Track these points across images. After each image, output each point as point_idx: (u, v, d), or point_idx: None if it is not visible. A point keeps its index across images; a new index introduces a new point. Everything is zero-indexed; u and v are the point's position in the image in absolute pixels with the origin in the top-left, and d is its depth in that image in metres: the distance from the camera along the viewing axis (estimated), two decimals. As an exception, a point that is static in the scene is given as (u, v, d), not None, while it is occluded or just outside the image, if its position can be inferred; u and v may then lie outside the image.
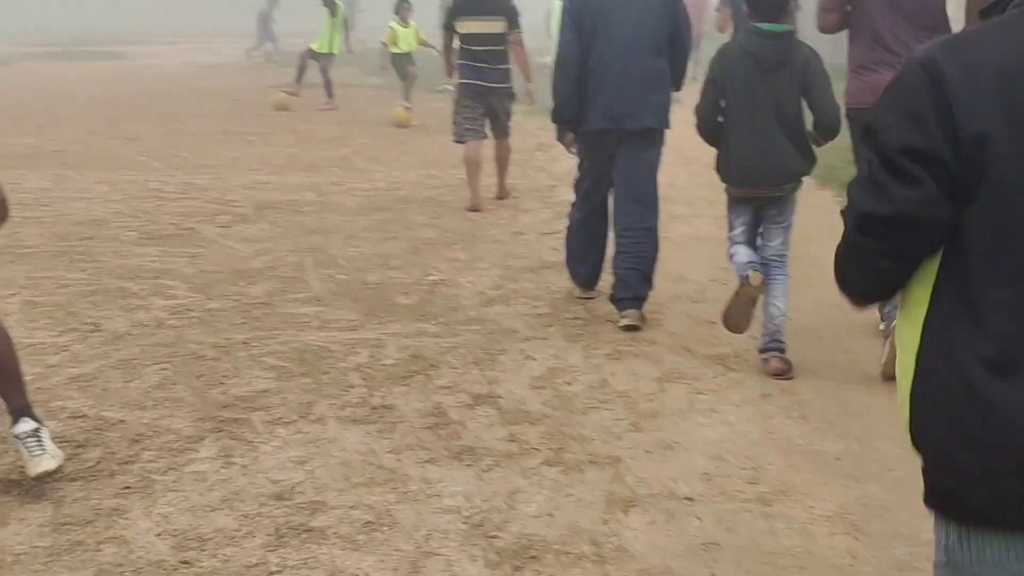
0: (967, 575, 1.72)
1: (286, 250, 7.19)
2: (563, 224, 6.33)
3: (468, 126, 8.59)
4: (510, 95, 8.78)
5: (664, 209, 6.05)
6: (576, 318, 5.79)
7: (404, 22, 15.13)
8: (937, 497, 1.75)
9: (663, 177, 5.99)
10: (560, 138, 5.94)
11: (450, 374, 4.87)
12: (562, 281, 6.34)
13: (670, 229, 7.07)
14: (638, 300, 5.62)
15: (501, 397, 4.60)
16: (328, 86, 16.16)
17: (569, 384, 4.80)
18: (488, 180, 8.98)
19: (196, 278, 6.46)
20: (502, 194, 9.12)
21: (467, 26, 8.56)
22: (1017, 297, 1.63)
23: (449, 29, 8.79)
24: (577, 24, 5.62)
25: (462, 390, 4.67)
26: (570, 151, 5.99)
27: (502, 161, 9.01)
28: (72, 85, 20.48)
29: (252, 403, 4.49)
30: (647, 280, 5.70)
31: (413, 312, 5.83)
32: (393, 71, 15.34)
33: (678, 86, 5.83)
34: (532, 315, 5.83)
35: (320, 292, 6.21)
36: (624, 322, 5.54)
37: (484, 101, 8.59)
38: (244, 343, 5.26)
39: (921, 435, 1.75)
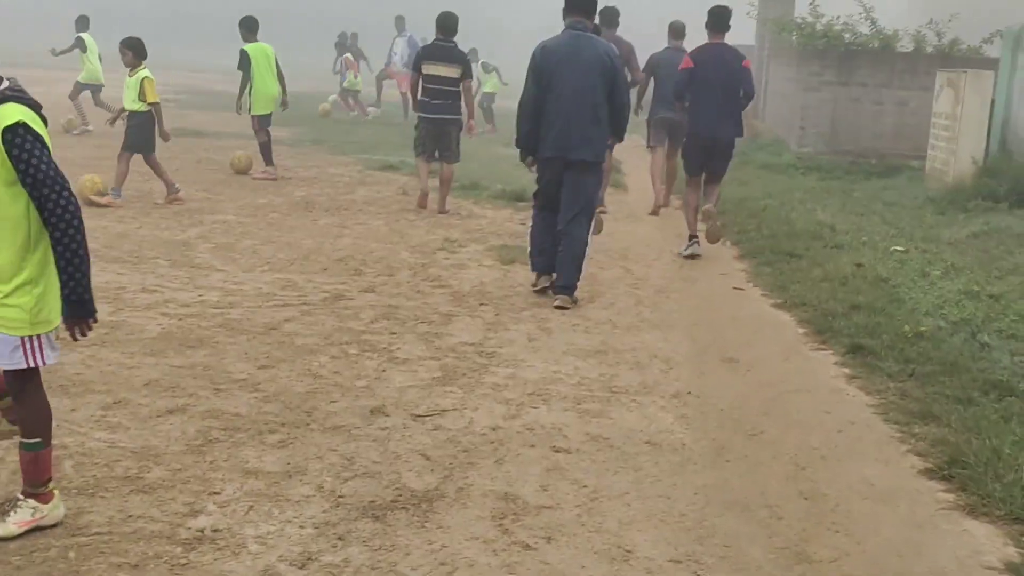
0: None
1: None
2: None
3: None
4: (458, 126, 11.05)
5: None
6: None
7: None
8: None
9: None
10: (522, 159, 7.86)
11: None
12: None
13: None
14: (568, 288, 7.43)
15: None
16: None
17: None
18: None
19: None
20: (442, 209, 10.90)
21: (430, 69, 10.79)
22: None
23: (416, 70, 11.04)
24: (537, 79, 7.46)
25: None
26: (531, 169, 7.94)
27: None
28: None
29: None
30: (576, 273, 7.49)
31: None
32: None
33: (619, 134, 7.85)
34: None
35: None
36: (555, 304, 7.32)
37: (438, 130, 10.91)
38: None
39: None
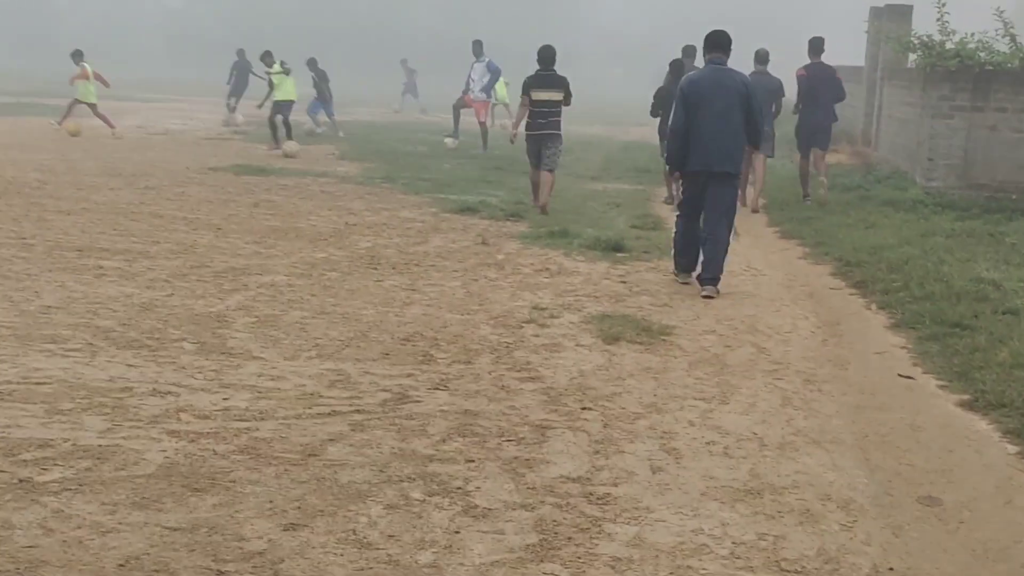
0: None
1: None
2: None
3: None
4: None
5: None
6: None
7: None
8: None
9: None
10: (670, 174, 10.43)
11: None
12: None
13: None
14: (715, 280, 8.76)
15: None
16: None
17: None
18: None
19: None
20: (543, 207, 12.59)
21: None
22: None
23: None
24: (686, 106, 8.84)
25: None
26: (676, 182, 10.40)
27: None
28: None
29: None
30: (720, 268, 8.82)
31: None
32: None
33: (754, 140, 9.30)
34: None
35: None
36: (703, 293, 8.66)
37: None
38: None
39: None
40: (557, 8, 68.95)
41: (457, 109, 21.41)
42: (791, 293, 9.01)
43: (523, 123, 12.86)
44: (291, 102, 19.37)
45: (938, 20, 14.94)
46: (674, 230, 9.42)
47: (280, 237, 10.26)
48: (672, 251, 9.39)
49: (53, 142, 18.54)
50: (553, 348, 6.79)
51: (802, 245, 11.31)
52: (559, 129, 12.80)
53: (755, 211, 13.88)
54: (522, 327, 7.28)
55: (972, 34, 14.63)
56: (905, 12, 18.45)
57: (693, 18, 59.91)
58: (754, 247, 11.33)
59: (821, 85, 14.25)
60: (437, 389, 5.82)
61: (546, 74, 12.70)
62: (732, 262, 10.13)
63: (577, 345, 6.90)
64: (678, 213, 9.40)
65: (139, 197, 12.30)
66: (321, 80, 23.81)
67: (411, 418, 5.31)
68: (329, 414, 5.30)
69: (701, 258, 8.97)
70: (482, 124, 20.63)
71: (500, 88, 26.17)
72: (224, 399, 5.45)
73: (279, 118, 19.06)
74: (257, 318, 7.17)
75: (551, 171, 12.77)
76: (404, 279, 8.68)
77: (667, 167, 9.90)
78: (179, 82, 44.08)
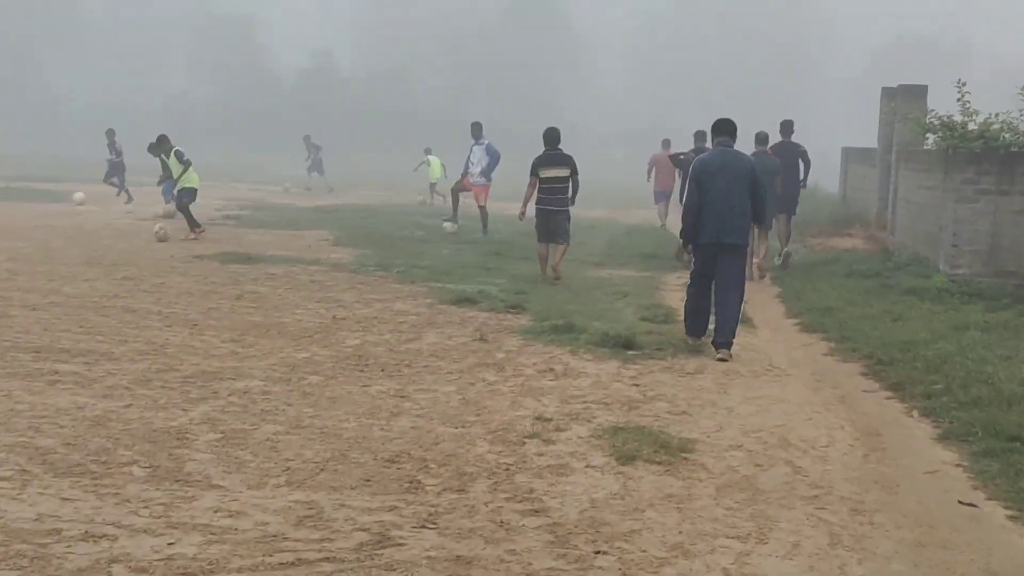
0: None
1: None
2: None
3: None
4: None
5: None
6: None
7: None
8: None
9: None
10: (684, 247, 10.62)
11: None
12: None
13: None
14: (728, 344, 9.35)
15: None
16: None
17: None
18: None
19: None
20: (556, 274, 13.74)
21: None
22: None
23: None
24: (699, 183, 9.58)
25: None
26: (689, 253, 10.56)
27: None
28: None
29: None
30: (732, 333, 9.44)
31: None
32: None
33: (759, 219, 9.93)
34: None
35: None
36: (718, 356, 9.24)
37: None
38: None
39: None
40: (559, 90, 69.07)
41: (456, 192, 20.72)
42: (821, 397, 8.14)
43: (532, 200, 13.90)
44: (194, 189, 18.24)
45: (959, 100, 14.28)
46: (685, 297, 10.03)
47: (261, 334, 9.43)
48: (684, 316, 10.00)
49: (39, 229, 17.79)
50: (560, 470, 5.92)
51: (826, 339, 10.47)
52: (567, 206, 13.79)
53: (761, 277, 14.69)
54: (524, 443, 6.41)
55: (996, 114, 13.95)
56: (920, 92, 17.83)
57: (696, 100, 60.04)
58: (775, 341, 10.48)
59: (790, 160, 16.03)
60: (424, 527, 4.94)
61: (553, 153, 13.75)
62: (753, 360, 9.34)
63: (587, 466, 6.02)
64: (689, 283, 10.03)
65: (115, 289, 11.49)
66: (313, 151, 31.59)
67: (391, 568, 4.43)
68: (293, 564, 4.42)
69: (712, 325, 9.66)
70: (482, 208, 19.94)
71: (435, 167, 29.76)
72: (169, 544, 4.57)
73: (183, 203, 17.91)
74: (223, 434, 6.31)
75: (563, 243, 13.87)
76: (393, 383, 7.83)
77: (681, 241, 10.64)
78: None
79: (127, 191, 25.01)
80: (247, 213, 23.77)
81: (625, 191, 27.26)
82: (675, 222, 11.85)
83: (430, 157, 30.00)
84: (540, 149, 13.93)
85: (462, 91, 66.74)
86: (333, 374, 8.05)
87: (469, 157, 20.17)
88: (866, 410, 7.80)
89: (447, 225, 20.30)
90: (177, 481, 5.42)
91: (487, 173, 19.87)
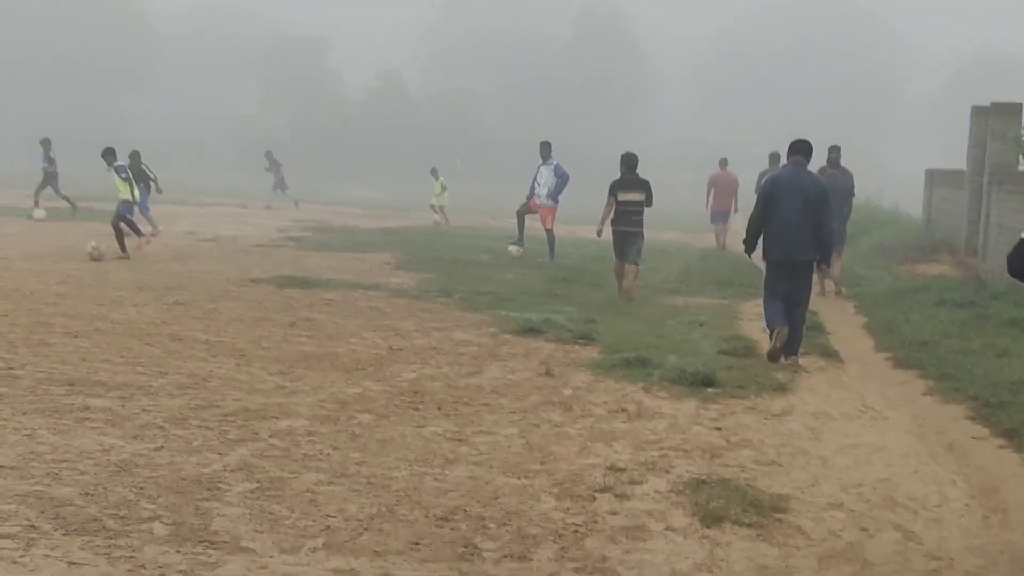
0: None
1: None
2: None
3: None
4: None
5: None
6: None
7: None
8: None
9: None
10: (748, 254, 10.98)
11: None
12: None
13: None
14: (795, 353, 9.93)
15: None
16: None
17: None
18: None
19: None
20: (628, 294, 14.21)
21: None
22: None
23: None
24: (767, 201, 10.01)
25: None
26: (749, 257, 11.62)
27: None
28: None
29: None
30: (799, 342, 10.03)
31: None
32: None
33: (822, 251, 10.11)
34: None
35: None
36: (788, 360, 9.79)
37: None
38: None
39: None
40: (627, 112, 68.29)
41: (522, 215, 20.01)
42: (926, 445, 7.30)
43: (608, 220, 14.48)
44: (129, 202, 17.67)
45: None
46: (762, 299, 10.54)
47: (311, 366, 8.81)
48: (764, 317, 10.30)
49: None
50: (636, 533, 5.18)
51: (923, 377, 9.60)
52: (641, 227, 14.41)
53: (838, 293, 15.39)
54: (595, 499, 5.68)
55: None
56: (1015, 111, 16.84)
57: (766, 123, 58.85)
58: (867, 378, 9.64)
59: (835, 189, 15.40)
60: (480, 606, 4.23)
61: (631, 177, 14.38)
62: (845, 400, 8.52)
63: (667, 529, 5.28)
64: (763, 294, 10.43)
65: (163, 315, 10.97)
66: (275, 168, 32.64)
67: (439, 662, 3.72)
68: (323, 654, 3.73)
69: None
70: (549, 231, 19.25)
71: (439, 191, 29.83)
72: (181, 628, 3.91)
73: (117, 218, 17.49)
74: (258, 483, 5.66)
75: (636, 264, 14.46)
76: (450, 424, 7.14)
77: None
78: (249, 189, 43.55)
79: (68, 199, 25.55)
80: (310, 235, 23.32)
81: (694, 215, 26.49)
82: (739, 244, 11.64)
83: (440, 180, 29.98)
84: (606, 171, 14.46)
85: (529, 112, 66.20)
86: (385, 412, 7.39)
87: (536, 178, 19.50)
88: (979, 461, 6.95)
89: (512, 249, 19.64)
90: (201, 542, 4.77)
91: (555, 195, 19.16)
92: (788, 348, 9.81)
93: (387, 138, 62.74)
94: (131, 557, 4.56)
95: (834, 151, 15.62)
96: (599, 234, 14.90)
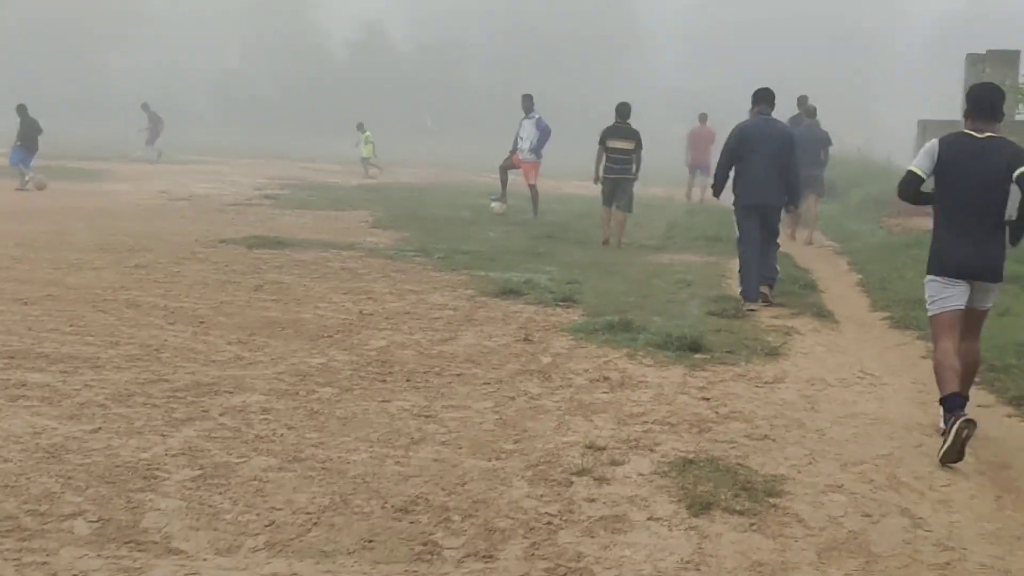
0: None
1: None
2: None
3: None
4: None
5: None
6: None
7: None
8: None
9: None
10: (715, 195, 11.17)
11: None
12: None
13: None
14: (772, 281, 10.56)
15: None
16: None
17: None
18: None
19: None
20: (618, 245, 14.75)
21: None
22: None
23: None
24: (732, 151, 10.44)
25: None
26: (716, 196, 11.31)
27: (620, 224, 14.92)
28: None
29: None
30: (775, 271, 10.64)
31: None
32: None
33: (792, 195, 10.78)
34: None
35: None
36: (761, 290, 10.32)
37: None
38: None
39: None
40: (614, 64, 67.30)
41: (504, 170, 19.40)
42: (929, 415, 6.79)
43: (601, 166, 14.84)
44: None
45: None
46: (738, 258, 10.65)
47: (274, 334, 8.26)
48: (740, 279, 10.48)
49: (60, 211, 16.80)
50: (615, 525, 4.67)
51: (923, 338, 9.08)
52: (631, 173, 14.76)
53: (808, 243, 16.10)
54: (571, 483, 5.17)
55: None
56: (1011, 58, 16.29)
57: (752, 78, 57.99)
58: (863, 341, 9.14)
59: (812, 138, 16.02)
60: (436, 617, 3.72)
61: (622, 126, 14.76)
62: (841, 365, 8.04)
63: (650, 519, 4.76)
64: (739, 239, 10.59)
65: (122, 279, 10.39)
66: (154, 121, 32.67)
67: None
68: None
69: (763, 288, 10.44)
70: (532, 187, 18.67)
71: (364, 144, 30.36)
72: (90, 648, 3.40)
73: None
74: (201, 470, 5.13)
75: (625, 211, 14.77)
76: (419, 398, 6.62)
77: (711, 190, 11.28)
78: (233, 145, 42.69)
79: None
80: (287, 192, 22.69)
81: (681, 170, 25.94)
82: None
83: (365, 134, 30.41)
84: (593, 124, 14.21)
85: (515, 66, 65.20)
86: (349, 386, 6.86)
87: (518, 132, 18.89)
88: (986, 432, 6.44)
89: (495, 205, 19.07)
90: (127, 543, 4.25)
91: (537, 149, 18.57)
92: (763, 279, 10.33)
93: (372, 93, 61.78)
94: (44, 563, 4.03)
95: (806, 101, 17.13)
96: (596, 181, 15.12)
